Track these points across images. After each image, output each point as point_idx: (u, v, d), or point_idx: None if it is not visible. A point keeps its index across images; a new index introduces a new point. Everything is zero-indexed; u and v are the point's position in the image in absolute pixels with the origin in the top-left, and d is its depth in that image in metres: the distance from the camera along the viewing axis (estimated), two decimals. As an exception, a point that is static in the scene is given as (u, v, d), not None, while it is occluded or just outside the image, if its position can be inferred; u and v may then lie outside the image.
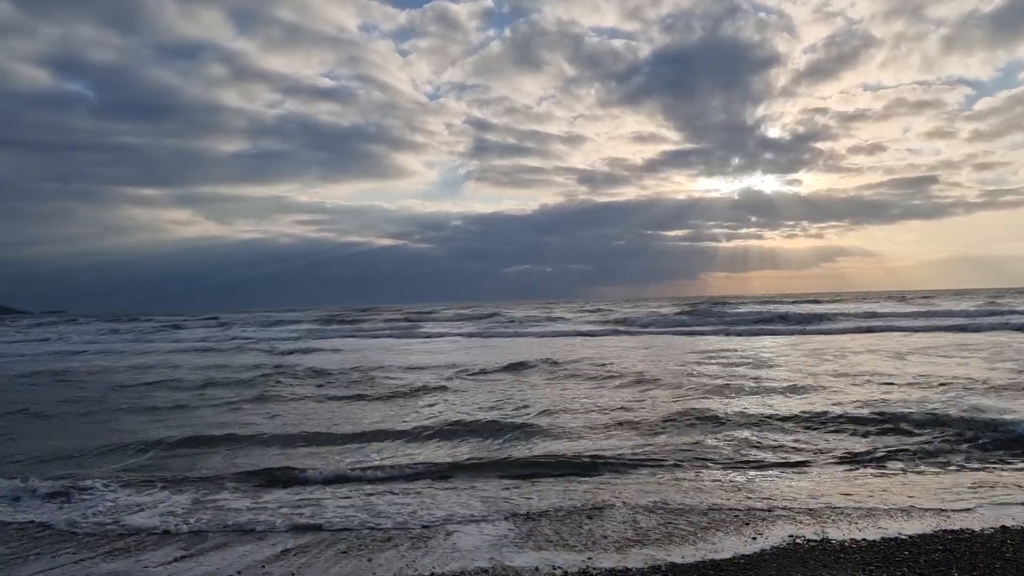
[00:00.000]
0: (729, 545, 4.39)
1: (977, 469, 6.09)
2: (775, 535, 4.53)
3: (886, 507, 5.08)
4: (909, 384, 10.85)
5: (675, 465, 6.37)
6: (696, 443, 7.19)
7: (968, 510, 4.98)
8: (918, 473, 6.04)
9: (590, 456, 6.69)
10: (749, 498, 5.38)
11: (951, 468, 6.15)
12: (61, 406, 11.01)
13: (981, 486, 5.59)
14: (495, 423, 8.54)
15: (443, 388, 12.11)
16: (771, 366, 14.35)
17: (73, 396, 12.36)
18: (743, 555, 4.20)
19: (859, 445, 6.92)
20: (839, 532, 4.57)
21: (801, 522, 4.78)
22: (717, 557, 4.17)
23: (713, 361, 15.65)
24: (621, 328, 32.16)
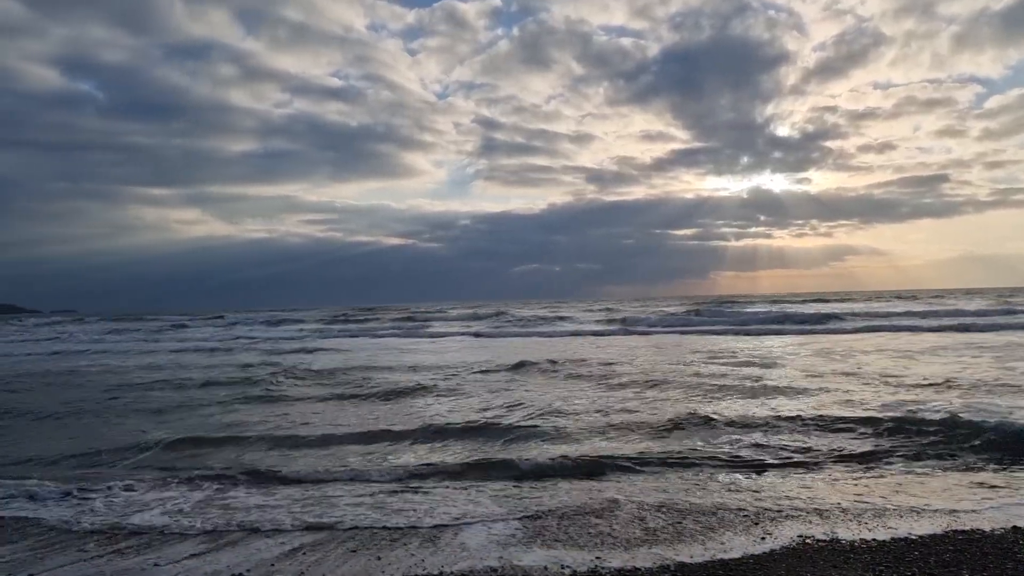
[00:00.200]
0: (738, 545, 4.38)
1: (987, 470, 6.06)
2: (784, 535, 4.52)
3: (895, 507, 5.06)
4: (918, 384, 10.79)
5: (682, 466, 6.36)
6: (703, 444, 7.18)
7: (978, 511, 4.95)
8: (928, 473, 6.01)
9: (597, 456, 6.69)
10: (757, 498, 5.37)
11: (961, 468, 6.11)
12: (65, 406, 11.02)
13: (991, 487, 5.56)
14: (501, 423, 8.54)
15: (447, 388, 12.13)
16: (779, 366, 14.30)
17: (77, 396, 12.41)
18: (752, 555, 4.20)
19: (868, 445, 6.88)
20: (849, 532, 4.55)
21: (810, 522, 4.77)
22: (726, 557, 4.17)
23: (719, 361, 15.61)
24: (627, 328, 32.12)
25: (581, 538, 4.57)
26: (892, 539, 4.41)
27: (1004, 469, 6.05)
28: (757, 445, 7.01)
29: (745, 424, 7.92)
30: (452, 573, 4.03)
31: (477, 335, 31.48)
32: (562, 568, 4.05)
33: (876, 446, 6.84)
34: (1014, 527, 4.55)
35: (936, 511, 4.95)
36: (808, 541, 4.40)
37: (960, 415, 7.89)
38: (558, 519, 4.96)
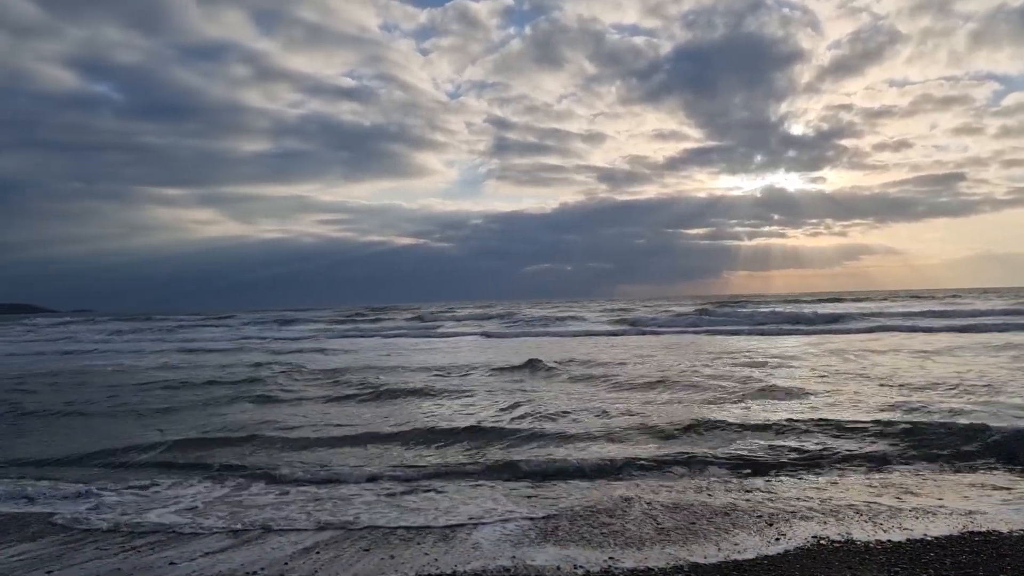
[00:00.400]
0: (752, 545, 4.36)
1: (1002, 472, 6.00)
2: (798, 536, 4.50)
3: (910, 508, 5.02)
4: (933, 385, 10.69)
5: (693, 467, 6.33)
6: (714, 445, 7.15)
7: (995, 512, 4.90)
8: (942, 475, 5.96)
9: (609, 457, 6.68)
10: (770, 499, 5.34)
11: (976, 470, 6.06)
12: (76, 406, 11.10)
13: (1007, 489, 5.51)
14: (509, 424, 8.56)
15: (456, 389, 12.13)
16: (789, 367, 14.22)
17: (87, 396, 12.48)
18: (766, 555, 4.18)
19: (881, 447, 6.83)
20: (863, 533, 4.52)
21: (824, 523, 4.74)
22: (740, 558, 4.15)
23: (730, 362, 15.54)
24: (636, 328, 32.02)
25: (594, 538, 4.57)
26: (908, 540, 4.37)
27: (1020, 471, 5.98)
28: (768, 446, 6.96)
29: (755, 426, 7.87)
30: (465, 572, 4.04)
31: (487, 335, 31.51)
32: (575, 568, 4.05)
33: (889, 448, 6.78)
34: (1031, 529, 4.50)
35: (951, 512, 4.91)
36: (822, 542, 4.38)
37: (974, 417, 7.82)
38: (570, 519, 4.96)
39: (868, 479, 5.87)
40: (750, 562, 4.08)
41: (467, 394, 11.36)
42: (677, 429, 7.81)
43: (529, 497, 5.55)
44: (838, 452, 6.63)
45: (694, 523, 4.81)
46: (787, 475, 6.02)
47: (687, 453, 6.73)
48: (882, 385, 10.87)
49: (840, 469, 6.16)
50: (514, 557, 4.24)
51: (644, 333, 29.24)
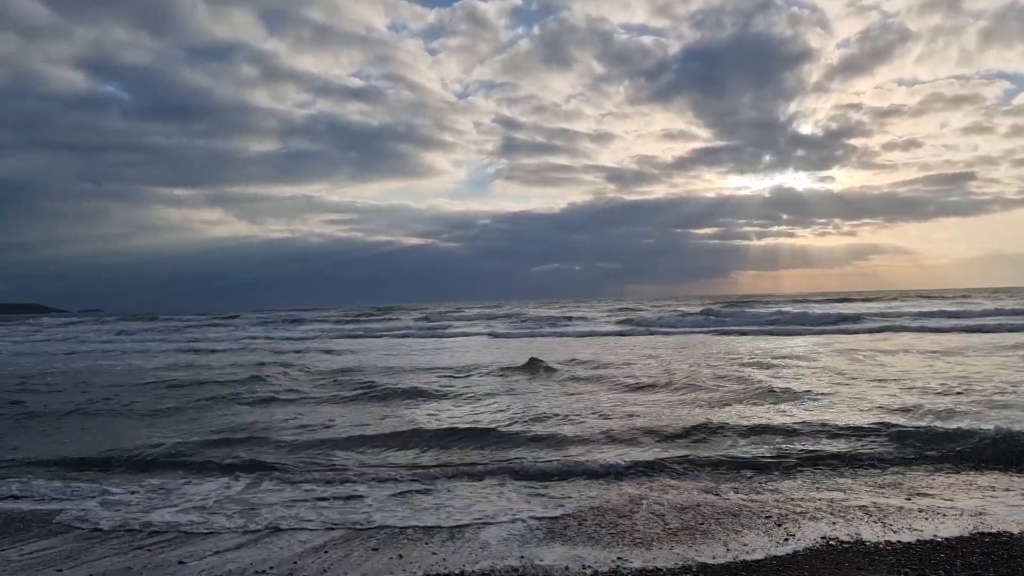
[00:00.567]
0: (761, 546, 4.35)
1: (1014, 473, 5.96)
2: (808, 536, 4.49)
3: (920, 509, 5.00)
4: (942, 387, 10.63)
5: (701, 468, 6.32)
6: (720, 447, 7.13)
7: (1005, 514, 4.88)
8: (952, 477, 5.93)
9: (616, 459, 6.69)
10: (779, 500, 5.33)
11: (986, 472, 6.03)
12: (66, 406, 11.11)
13: (1019, 491, 5.47)
14: (513, 425, 8.57)
15: (459, 390, 12.14)
16: (797, 368, 14.16)
17: (83, 397, 12.50)
18: (775, 556, 4.17)
19: (890, 448, 6.80)
20: (873, 534, 4.50)
21: (834, 524, 4.73)
22: (749, 558, 4.14)
23: (736, 363, 15.49)
24: (642, 328, 31.96)
25: (602, 538, 4.57)
26: (917, 541, 4.36)
27: (1031, 471, 5.95)
28: (775, 448, 6.95)
29: (761, 427, 7.85)
30: (473, 572, 4.05)
31: (493, 335, 31.51)
32: (583, 568, 4.05)
33: (898, 449, 6.75)
34: (1043, 530, 4.48)
35: (961, 513, 4.89)
36: (832, 543, 4.37)
37: (984, 418, 7.79)
38: (578, 519, 4.96)
39: (877, 480, 5.84)
40: (759, 562, 4.08)
41: (472, 395, 11.36)
42: (683, 431, 7.79)
43: (537, 497, 5.55)
44: (846, 453, 6.60)
45: (702, 523, 4.81)
46: (795, 476, 6.00)
47: (693, 455, 6.72)
48: (890, 386, 10.82)
49: (848, 470, 6.13)
50: (522, 557, 4.25)
51: (651, 333, 29.18)
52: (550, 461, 6.59)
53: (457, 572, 4.05)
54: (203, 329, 44.27)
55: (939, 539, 4.39)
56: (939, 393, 9.82)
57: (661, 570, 4.01)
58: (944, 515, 4.87)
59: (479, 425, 8.49)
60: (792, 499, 5.33)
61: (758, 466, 6.27)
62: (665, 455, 6.71)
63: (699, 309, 42.95)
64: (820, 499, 5.31)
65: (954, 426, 7.43)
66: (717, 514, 5.00)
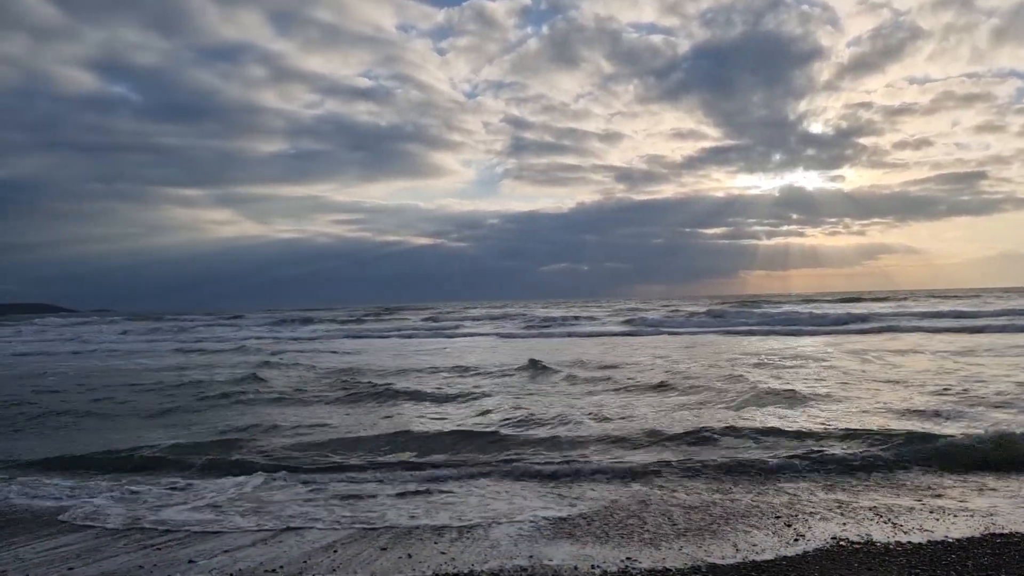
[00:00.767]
0: (770, 546, 4.34)
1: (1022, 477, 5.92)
2: (817, 537, 4.47)
3: (930, 510, 4.98)
4: (952, 388, 10.58)
5: (709, 470, 6.30)
6: (727, 449, 7.11)
7: (1017, 515, 4.84)
8: (963, 478, 5.89)
9: (624, 459, 6.68)
10: (788, 501, 5.32)
11: (997, 474, 5.98)
12: (66, 406, 11.18)
13: (1031, 490, 5.44)
14: (520, 426, 8.57)
15: (463, 391, 12.16)
16: (804, 369, 14.12)
17: (84, 397, 12.56)
18: (785, 556, 4.16)
19: (900, 450, 6.76)
20: (883, 535, 4.48)
21: (844, 525, 4.71)
22: (758, 558, 4.13)
23: (743, 364, 15.45)
24: (649, 329, 31.91)
25: (611, 538, 4.56)
26: (928, 542, 4.33)
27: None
28: (783, 449, 6.92)
29: (768, 429, 7.82)
30: (482, 572, 4.05)
31: (500, 335, 31.54)
32: (592, 568, 4.05)
33: (908, 451, 6.70)
34: (1055, 531, 4.44)
35: (972, 514, 4.86)
36: (842, 543, 4.35)
37: (994, 420, 7.74)
38: (587, 519, 4.96)
39: (886, 481, 5.81)
40: (768, 563, 4.06)
41: (475, 396, 11.36)
42: (690, 432, 7.76)
43: (545, 497, 5.56)
44: (855, 455, 6.56)
45: (711, 524, 4.80)
46: (804, 478, 5.97)
47: (700, 456, 6.71)
48: (899, 387, 10.77)
49: (858, 472, 6.10)
50: (531, 556, 4.25)
51: (658, 334, 29.12)
52: (557, 462, 6.59)
53: (466, 572, 4.06)
54: (208, 329, 44.44)
55: (950, 540, 4.36)
56: (949, 394, 9.77)
57: (670, 570, 4.00)
58: (955, 516, 4.84)
59: (484, 426, 8.50)
60: (801, 500, 5.31)
61: (767, 467, 6.25)
62: (672, 456, 6.70)
63: (704, 309, 42.80)
64: (829, 500, 5.29)
65: (964, 428, 7.38)
66: (726, 515, 4.99)
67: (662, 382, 11.84)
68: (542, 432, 8.04)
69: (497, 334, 32.24)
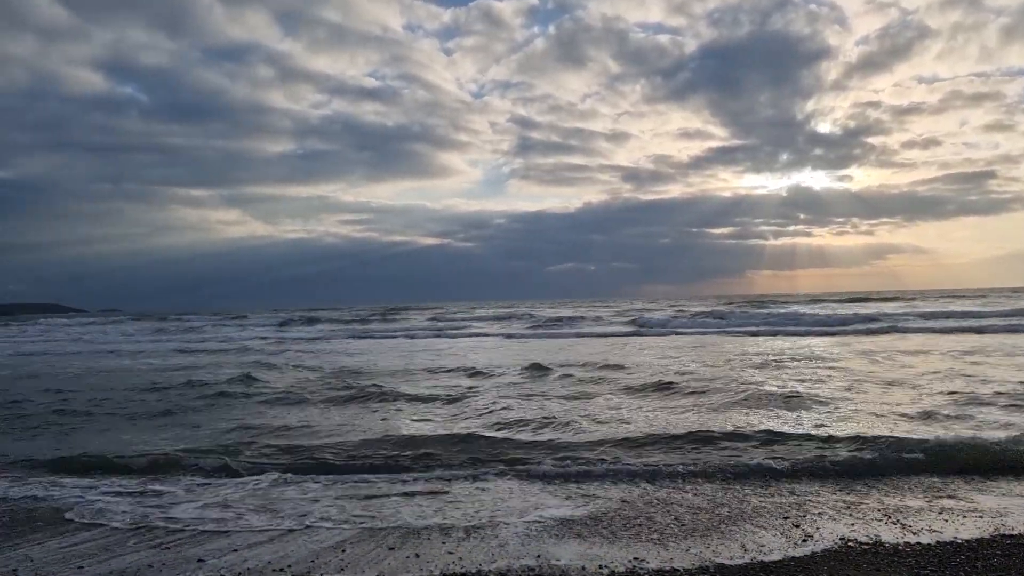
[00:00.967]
0: (778, 547, 4.33)
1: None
2: (826, 538, 4.46)
3: (939, 511, 4.96)
4: (960, 389, 10.53)
5: (717, 471, 6.29)
6: (736, 450, 7.09)
7: (1028, 515, 4.82)
8: (972, 480, 5.86)
9: (631, 461, 6.68)
10: (796, 503, 5.30)
11: (1006, 476, 5.95)
12: (67, 406, 11.17)
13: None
14: (524, 427, 8.57)
15: (466, 392, 12.16)
16: (812, 369, 14.07)
17: (83, 397, 12.64)
18: (793, 557, 4.15)
19: (908, 451, 6.73)
20: (892, 535, 4.47)
21: (852, 525, 4.69)
22: (766, 559, 4.12)
23: (749, 365, 15.41)
24: (655, 329, 31.85)
25: (618, 538, 4.56)
26: (937, 543, 4.32)
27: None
28: (790, 451, 6.90)
29: (775, 430, 7.81)
30: (490, 571, 4.05)
31: (504, 336, 31.54)
32: (600, 567, 4.05)
33: (915, 452, 6.67)
34: (1066, 533, 4.42)
35: (982, 515, 4.84)
36: (850, 544, 4.34)
37: (1003, 422, 7.69)
38: (595, 519, 4.96)
39: (895, 483, 5.79)
40: (776, 563, 4.06)
41: (478, 397, 11.33)
42: (696, 433, 7.75)
43: (553, 498, 5.56)
44: (862, 457, 6.53)
45: (719, 524, 4.79)
46: (811, 480, 5.95)
47: (708, 457, 6.70)
48: (906, 388, 10.72)
49: (866, 474, 6.07)
50: (539, 556, 4.25)
51: (663, 334, 29.07)
52: (564, 463, 6.59)
53: (474, 571, 4.06)
54: (212, 329, 44.56)
55: (959, 541, 4.34)
56: (957, 395, 9.71)
57: (678, 570, 4.00)
58: (964, 517, 4.82)
59: (488, 427, 8.51)
60: (809, 501, 5.30)
61: (773, 469, 6.22)
62: (679, 458, 6.69)
63: (710, 309, 42.68)
64: (838, 501, 5.27)
65: (974, 430, 7.34)
66: (734, 515, 4.98)
67: (667, 383, 11.81)
68: (547, 433, 8.05)
69: (503, 335, 32.24)
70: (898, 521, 4.75)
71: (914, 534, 4.49)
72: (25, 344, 33.03)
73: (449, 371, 15.38)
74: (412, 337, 32.57)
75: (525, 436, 7.93)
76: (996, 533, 4.47)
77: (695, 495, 5.51)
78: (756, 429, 7.70)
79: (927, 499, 5.27)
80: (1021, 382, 10.65)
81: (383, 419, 9.45)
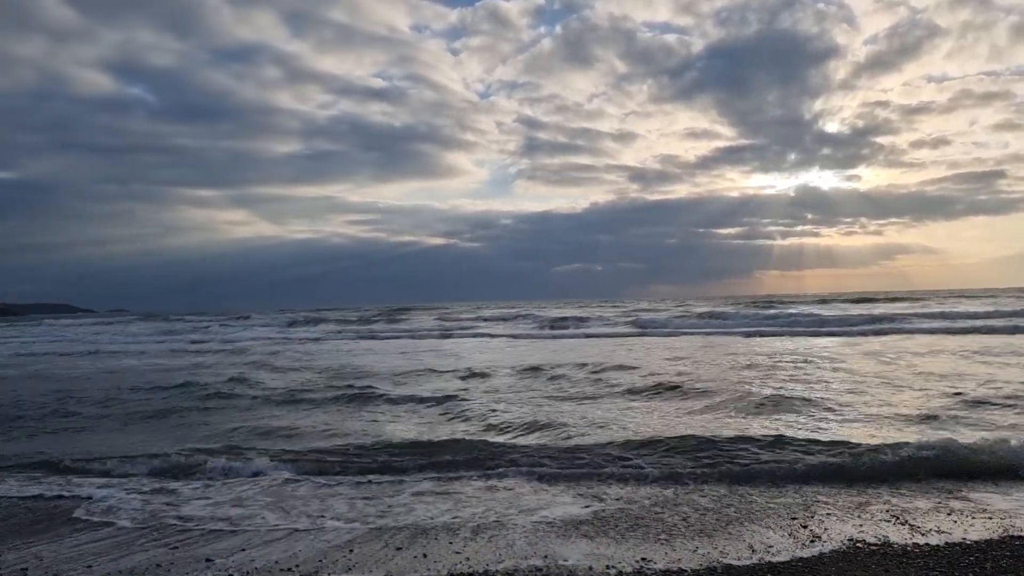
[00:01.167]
0: (786, 548, 4.32)
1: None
2: (833, 539, 4.45)
3: (948, 512, 4.94)
4: (968, 391, 10.47)
5: (723, 472, 6.28)
6: (742, 451, 7.07)
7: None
8: (980, 481, 5.83)
9: (638, 462, 6.67)
10: (804, 504, 5.29)
11: (1015, 478, 5.91)
12: (62, 407, 11.24)
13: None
14: (527, 428, 8.57)
15: (468, 393, 12.18)
16: (819, 371, 14.01)
17: (81, 398, 12.70)
18: (800, 558, 4.14)
19: (915, 453, 6.69)
20: (900, 537, 4.45)
21: (860, 527, 4.68)
22: (774, 560, 4.12)
23: (753, 366, 15.35)
24: (660, 330, 31.78)
25: (626, 538, 4.56)
26: (946, 544, 4.30)
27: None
28: (796, 453, 6.88)
29: (781, 432, 7.79)
30: (497, 571, 4.06)
31: (509, 336, 31.52)
32: (607, 568, 4.05)
33: (923, 454, 6.64)
34: (1076, 534, 4.39)
35: (991, 517, 4.81)
36: (858, 545, 4.33)
37: (1011, 424, 7.64)
38: (602, 520, 4.96)
39: (903, 485, 5.77)
40: (784, 564, 4.05)
41: (480, 398, 11.36)
42: (702, 434, 7.74)
43: (560, 498, 5.56)
44: (869, 459, 6.51)
45: (727, 525, 4.78)
46: (818, 481, 5.93)
47: (714, 459, 6.68)
48: (914, 390, 10.67)
49: (873, 476, 6.05)
50: (546, 556, 4.26)
51: (669, 335, 28.99)
52: (571, 464, 6.59)
53: (481, 571, 4.07)
54: (219, 329, 44.70)
55: (968, 542, 4.33)
56: (966, 397, 9.66)
57: (685, 571, 4.00)
58: (973, 518, 4.80)
59: (495, 428, 8.52)
60: (816, 502, 5.28)
61: (780, 470, 6.21)
62: (686, 459, 6.68)
63: (717, 309, 42.56)
64: (845, 502, 5.26)
65: (983, 432, 7.30)
66: (741, 516, 4.97)
67: (672, 384, 11.78)
68: (553, 434, 8.05)
69: (508, 335, 32.23)
70: (907, 522, 4.74)
71: (923, 535, 4.47)
72: (36, 344, 33.24)
73: (454, 372, 15.37)
74: (419, 337, 32.61)
75: (532, 437, 7.95)
76: (1005, 534, 4.45)
77: (702, 496, 5.51)
78: (762, 431, 7.69)
79: (935, 500, 5.25)
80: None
81: (391, 420, 9.47)
